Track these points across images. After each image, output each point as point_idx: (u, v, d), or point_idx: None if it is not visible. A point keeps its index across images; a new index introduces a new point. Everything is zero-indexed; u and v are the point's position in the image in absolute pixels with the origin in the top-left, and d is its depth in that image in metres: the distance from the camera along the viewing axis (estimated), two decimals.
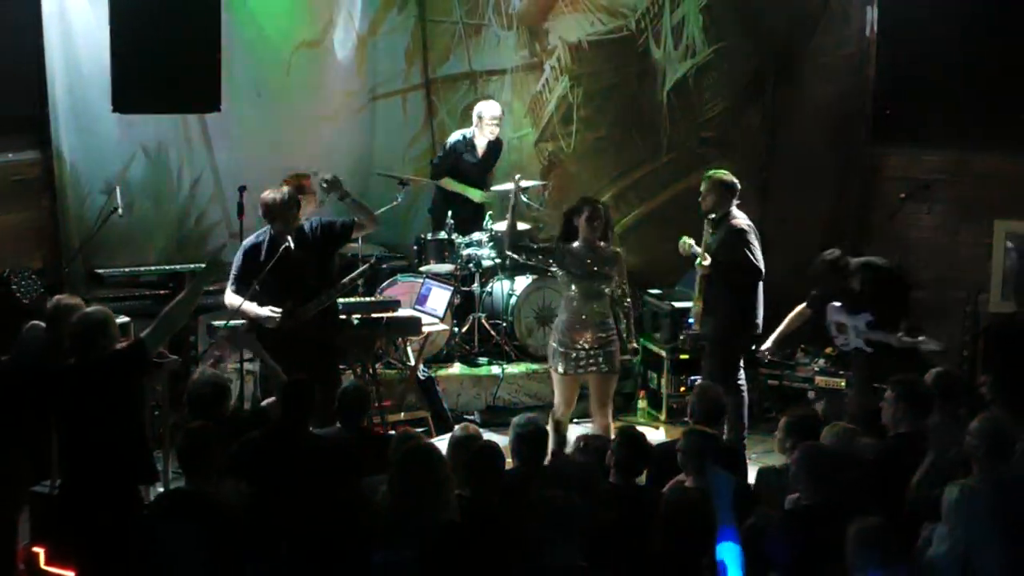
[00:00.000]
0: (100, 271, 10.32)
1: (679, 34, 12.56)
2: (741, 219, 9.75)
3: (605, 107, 12.74)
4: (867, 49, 11.96)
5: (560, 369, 9.31)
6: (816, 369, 11.35)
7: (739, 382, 9.81)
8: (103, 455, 6.65)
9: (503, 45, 12.69)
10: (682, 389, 10.83)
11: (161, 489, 8.24)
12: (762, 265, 9.70)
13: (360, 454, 7.07)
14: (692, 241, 9.72)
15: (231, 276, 8.93)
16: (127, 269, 10.31)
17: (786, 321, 10.02)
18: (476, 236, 11.52)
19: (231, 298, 8.89)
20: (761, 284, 9.80)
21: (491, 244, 11.47)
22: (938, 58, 11.41)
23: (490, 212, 11.73)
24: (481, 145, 11.86)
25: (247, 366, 10.01)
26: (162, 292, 10.15)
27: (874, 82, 11.95)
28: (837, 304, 9.92)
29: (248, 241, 9.06)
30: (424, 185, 12.20)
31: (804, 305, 10.06)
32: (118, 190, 10.17)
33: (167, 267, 10.49)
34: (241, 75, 11.14)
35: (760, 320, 9.86)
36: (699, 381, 9.99)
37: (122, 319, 9.17)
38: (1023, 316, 10.58)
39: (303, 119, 11.83)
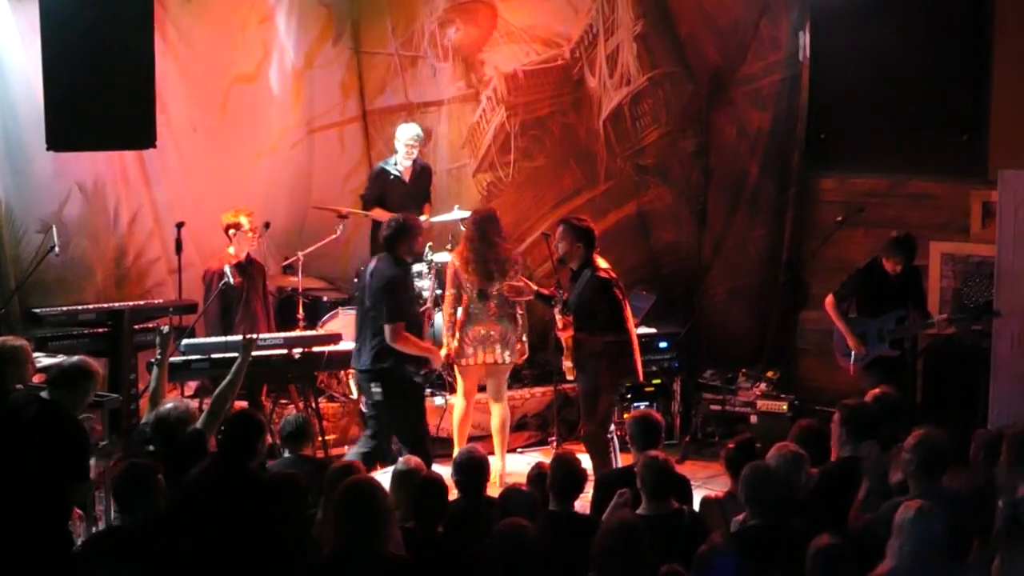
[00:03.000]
0: (37, 311, 10.21)
1: (614, 62, 12.64)
2: (601, 270, 9.42)
3: (542, 136, 12.78)
4: (800, 74, 12.06)
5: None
6: (758, 393, 11.41)
7: (609, 435, 9.68)
8: (16, 492, 6.65)
9: (439, 76, 12.72)
10: (626, 416, 10.84)
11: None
12: (626, 316, 9.50)
13: (307, 486, 7.02)
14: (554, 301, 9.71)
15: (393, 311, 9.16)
16: (65, 308, 10.21)
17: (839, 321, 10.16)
18: (416, 267, 11.50)
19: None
20: (632, 333, 9.58)
21: (431, 275, 11.47)
22: (871, 82, 11.54)
23: (429, 243, 11.73)
24: (406, 168, 11.85)
25: (192, 402, 9.94)
26: (100, 330, 10.07)
27: (807, 107, 12.05)
28: (851, 317, 10.07)
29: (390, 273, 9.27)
30: (363, 218, 12.19)
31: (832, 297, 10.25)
32: (54, 229, 10.09)
33: (106, 305, 10.41)
34: (176, 111, 11.12)
35: (636, 368, 9.71)
36: (640, 408, 10.08)
37: (60, 358, 9.12)
38: (960, 336, 10.68)
39: (240, 154, 11.81)
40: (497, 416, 10.09)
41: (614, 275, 9.48)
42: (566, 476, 6.89)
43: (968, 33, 11.17)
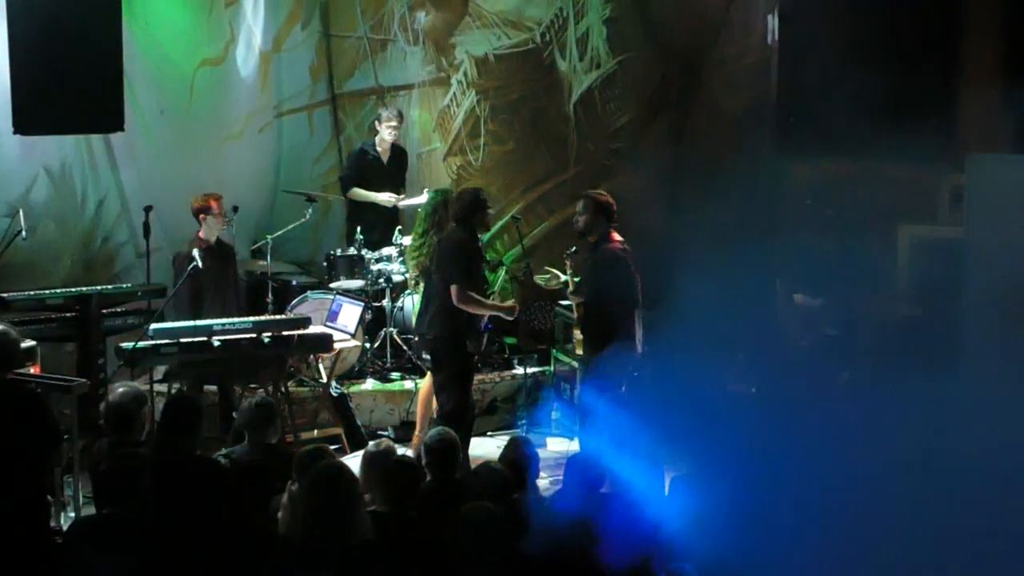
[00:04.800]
0: (5, 295, 10.12)
1: (584, 46, 12.64)
2: (616, 243, 9.58)
3: (513, 120, 12.79)
4: (769, 58, 12.07)
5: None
6: None
7: None
8: None
9: (409, 60, 12.71)
10: None
11: (72, 515, 8.15)
12: (637, 292, 9.58)
13: (267, 473, 6.98)
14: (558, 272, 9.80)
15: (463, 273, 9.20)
16: (32, 292, 10.14)
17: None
18: (386, 251, 11.49)
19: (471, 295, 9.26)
20: (638, 311, 9.67)
21: (401, 259, 11.45)
22: (840, 65, 11.54)
23: (399, 227, 11.70)
24: (384, 150, 11.86)
25: (158, 387, 9.92)
26: (68, 315, 10.01)
27: (777, 90, 12.06)
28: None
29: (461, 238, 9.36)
30: (332, 201, 12.17)
31: None
32: (21, 213, 10.02)
33: (73, 289, 10.34)
34: (144, 94, 11.06)
35: (639, 346, 9.77)
36: None
37: (28, 343, 9.07)
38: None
39: (208, 137, 11.76)
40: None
41: (627, 250, 9.59)
42: (516, 462, 6.94)
43: (938, 17, 11.19)
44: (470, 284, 9.26)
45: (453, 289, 9.18)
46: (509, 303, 9.74)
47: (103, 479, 6.54)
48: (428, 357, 9.48)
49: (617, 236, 9.63)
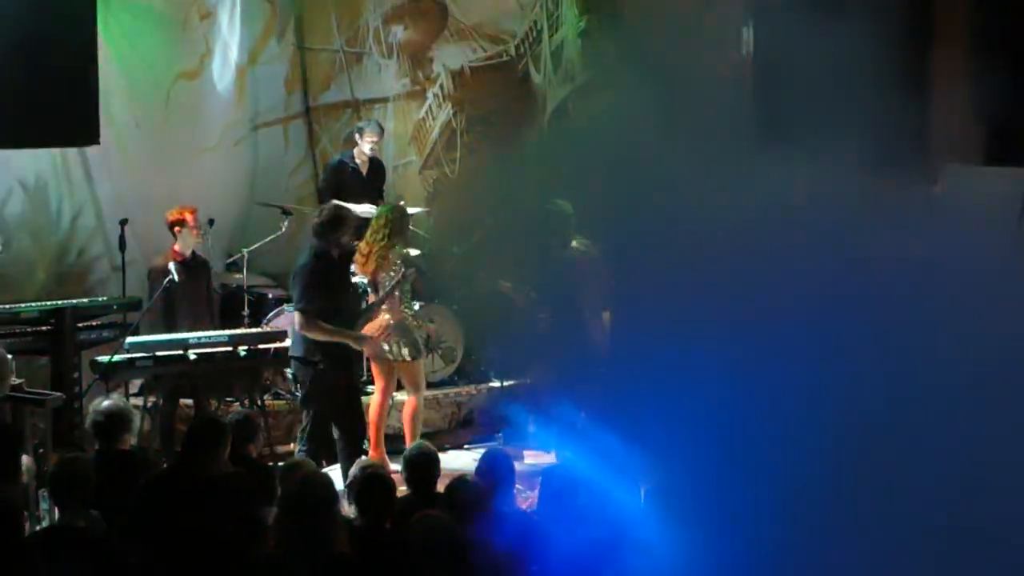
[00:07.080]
0: None
1: (558, 58, 12.66)
2: (577, 250, 9.71)
3: (488, 133, 12.79)
4: (743, 70, 12.12)
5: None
6: None
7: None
8: None
9: (385, 73, 12.71)
10: None
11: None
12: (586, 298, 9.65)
13: (248, 487, 6.99)
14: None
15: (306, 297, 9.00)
16: (7, 306, 10.12)
17: None
18: None
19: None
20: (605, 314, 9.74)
21: None
22: (815, 78, 11.58)
23: None
24: (363, 162, 11.84)
25: (134, 400, 9.89)
26: (43, 328, 9.99)
27: (751, 103, 12.10)
28: None
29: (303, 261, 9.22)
30: (308, 214, 12.16)
31: None
32: None
33: (48, 303, 10.32)
34: (119, 108, 11.05)
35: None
36: None
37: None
38: None
39: (184, 150, 11.74)
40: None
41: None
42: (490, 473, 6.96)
43: (910, 29, 11.24)
44: (316, 308, 9.01)
45: (296, 315, 9.08)
46: (360, 333, 9.44)
47: (51, 486, 6.55)
48: (290, 377, 9.47)
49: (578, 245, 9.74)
